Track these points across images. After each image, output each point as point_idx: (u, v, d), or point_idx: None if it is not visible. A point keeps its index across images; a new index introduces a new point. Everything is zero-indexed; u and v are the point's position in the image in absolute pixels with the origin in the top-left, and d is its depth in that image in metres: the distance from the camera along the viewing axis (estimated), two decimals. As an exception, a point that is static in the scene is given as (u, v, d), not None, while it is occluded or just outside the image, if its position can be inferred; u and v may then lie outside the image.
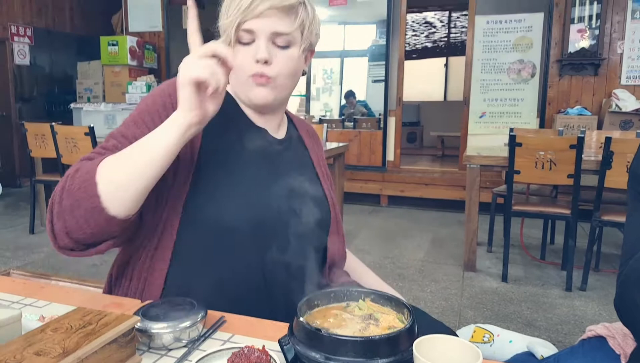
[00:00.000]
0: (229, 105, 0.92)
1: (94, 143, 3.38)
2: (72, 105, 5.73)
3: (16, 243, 3.74)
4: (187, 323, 0.67)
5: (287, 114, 1.05)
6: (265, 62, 0.84)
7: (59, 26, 6.66)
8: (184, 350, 0.67)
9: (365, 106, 6.35)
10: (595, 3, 4.47)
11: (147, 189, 0.74)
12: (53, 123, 3.56)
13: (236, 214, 0.83)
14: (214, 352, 0.62)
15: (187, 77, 0.69)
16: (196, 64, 0.69)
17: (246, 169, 0.88)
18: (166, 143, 0.72)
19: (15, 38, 6.00)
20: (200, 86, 0.70)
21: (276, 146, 0.95)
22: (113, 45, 5.68)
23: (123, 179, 0.71)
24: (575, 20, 4.53)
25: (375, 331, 0.62)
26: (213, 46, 0.70)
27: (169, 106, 0.83)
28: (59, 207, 0.73)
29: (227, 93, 0.93)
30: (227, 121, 0.90)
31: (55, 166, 3.71)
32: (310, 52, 0.94)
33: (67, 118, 5.72)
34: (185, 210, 0.83)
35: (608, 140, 2.63)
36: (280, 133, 0.99)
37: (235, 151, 0.89)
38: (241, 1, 0.82)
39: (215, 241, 0.83)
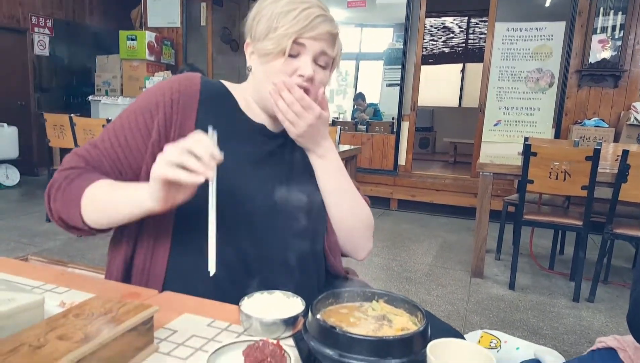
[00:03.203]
0: (228, 102, 0.95)
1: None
2: (90, 97, 5.83)
3: (32, 230, 3.80)
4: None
5: None
6: (310, 80, 0.87)
7: (79, 18, 6.76)
8: (203, 341, 0.69)
9: (376, 108, 6.33)
10: (620, 14, 4.41)
11: (123, 223, 0.84)
12: (72, 115, 3.62)
13: (227, 211, 0.83)
14: (229, 344, 0.63)
15: (157, 175, 0.73)
16: (170, 163, 0.71)
17: (240, 168, 0.90)
18: (130, 215, 0.82)
19: (36, 29, 6.11)
20: (169, 182, 0.73)
21: (273, 141, 0.96)
22: (132, 39, 5.74)
23: (102, 220, 0.85)
24: (598, 31, 4.47)
25: (388, 332, 0.63)
26: (194, 144, 0.71)
27: (162, 105, 0.89)
28: (54, 205, 0.87)
29: (227, 90, 0.96)
30: (223, 120, 0.92)
31: (72, 156, 3.77)
32: None
33: (84, 110, 5.81)
34: (178, 207, 0.83)
35: (625, 153, 2.60)
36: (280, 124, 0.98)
37: (228, 152, 0.87)
38: (298, 15, 0.84)
39: (202, 229, 0.83)
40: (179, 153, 0.70)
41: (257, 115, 0.96)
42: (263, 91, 0.90)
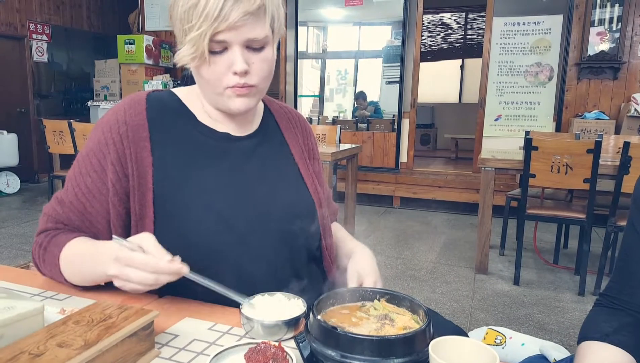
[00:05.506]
0: (183, 117, 0.87)
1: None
2: (89, 103, 5.83)
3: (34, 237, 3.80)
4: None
5: (264, 101, 0.99)
6: (245, 73, 0.78)
7: (76, 24, 6.77)
8: (205, 345, 0.68)
9: (376, 106, 6.32)
10: (617, 5, 4.40)
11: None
12: (71, 120, 3.62)
13: (206, 236, 0.81)
14: (231, 348, 0.63)
15: (116, 284, 0.74)
16: (127, 282, 0.71)
17: (210, 186, 0.84)
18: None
19: (34, 35, 6.11)
20: None
21: (242, 148, 0.89)
22: (130, 43, 5.74)
23: (81, 281, 0.84)
24: (596, 23, 4.46)
25: (390, 331, 0.63)
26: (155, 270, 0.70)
27: (111, 142, 0.82)
28: (44, 271, 0.88)
29: (180, 101, 0.89)
30: (182, 139, 0.86)
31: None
32: None
33: (84, 115, 5.83)
34: (156, 235, 0.80)
35: (626, 145, 2.59)
36: (250, 128, 0.92)
37: (194, 170, 0.84)
38: (206, 7, 0.72)
39: (190, 258, 0.80)
40: (141, 276, 0.70)
41: (218, 122, 0.89)
42: (208, 95, 0.85)
